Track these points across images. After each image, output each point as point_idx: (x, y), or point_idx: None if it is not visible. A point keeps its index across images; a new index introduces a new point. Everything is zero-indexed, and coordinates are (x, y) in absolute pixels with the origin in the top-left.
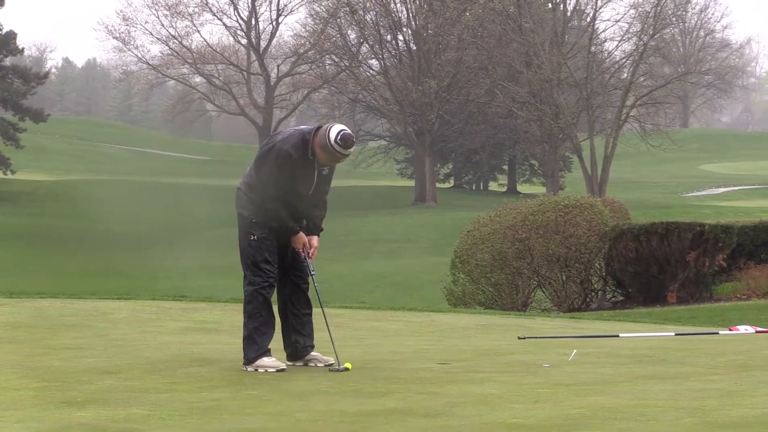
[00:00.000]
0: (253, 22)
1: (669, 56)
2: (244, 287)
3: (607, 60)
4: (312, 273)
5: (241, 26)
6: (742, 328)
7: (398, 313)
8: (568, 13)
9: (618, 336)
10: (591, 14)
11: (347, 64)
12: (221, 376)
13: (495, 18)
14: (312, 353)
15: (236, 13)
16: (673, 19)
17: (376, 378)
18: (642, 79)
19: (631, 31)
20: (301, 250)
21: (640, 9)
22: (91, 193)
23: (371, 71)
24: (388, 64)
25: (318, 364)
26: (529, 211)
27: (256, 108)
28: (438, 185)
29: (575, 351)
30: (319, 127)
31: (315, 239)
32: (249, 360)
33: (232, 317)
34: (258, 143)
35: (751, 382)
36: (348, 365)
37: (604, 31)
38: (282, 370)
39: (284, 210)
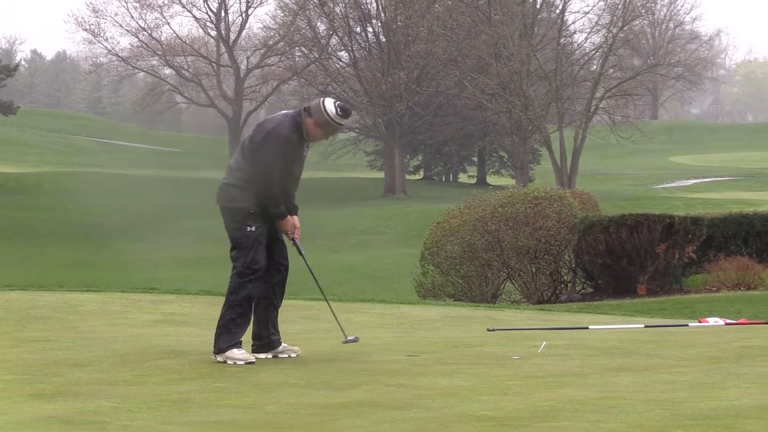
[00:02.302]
0: (223, 14)
1: (638, 48)
2: (231, 278)
3: (577, 52)
4: (302, 253)
5: (210, 18)
6: (712, 320)
7: (367, 305)
8: (538, 5)
9: (587, 328)
10: (560, 6)
11: (317, 56)
12: (190, 369)
13: (464, 10)
14: (283, 345)
15: (206, 5)
16: (642, 10)
17: (345, 370)
18: (611, 71)
19: (600, 23)
20: (290, 233)
21: (609, 1)
22: (60, 185)
23: (341, 63)
24: (357, 56)
25: (291, 355)
26: (499, 203)
27: (225, 100)
28: (408, 177)
29: (544, 343)
30: (306, 108)
31: (296, 219)
32: (220, 349)
33: (202, 309)
34: (228, 135)
35: (721, 375)
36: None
37: (573, 23)
38: (251, 363)
39: (282, 195)
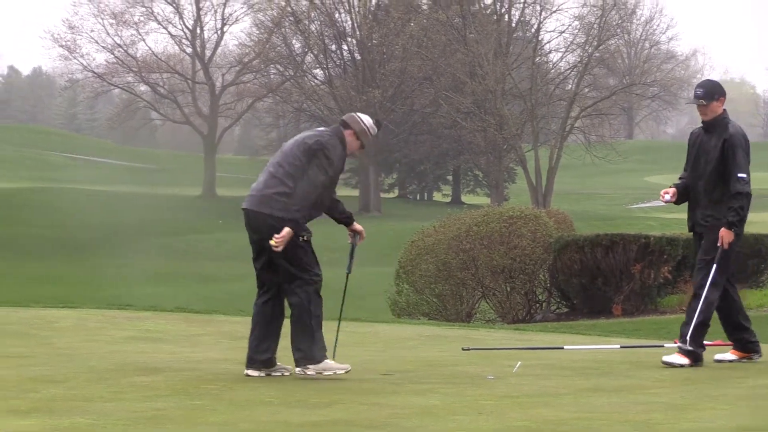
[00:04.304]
0: (198, 31)
1: (614, 67)
2: (294, 294)
3: (552, 71)
4: (349, 269)
5: (186, 35)
6: None
7: (342, 323)
8: (513, 24)
9: (563, 348)
10: (535, 25)
11: (292, 74)
12: (166, 386)
13: (439, 28)
14: (277, 363)
15: (181, 22)
16: (618, 30)
17: (319, 389)
18: (587, 90)
19: (575, 42)
20: (274, 246)
21: (584, 20)
22: (35, 200)
23: (316, 81)
24: (332, 73)
25: (285, 373)
26: (474, 222)
27: (200, 117)
28: (382, 195)
29: (519, 363)
30: (342, 122)
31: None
32: (317, 360)
33: (177, 326)
34: (203, 152)
35: (696, 396)
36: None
37: (548, 42)
38: (349, 371)
39: (314, 211)
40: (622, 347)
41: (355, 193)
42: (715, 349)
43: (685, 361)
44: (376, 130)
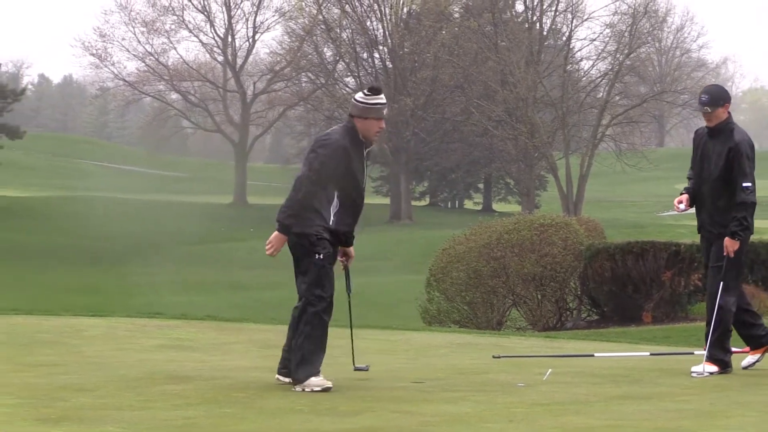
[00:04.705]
0: (230, 39)
1: (645, 75)
2: (300, 306)
3: (583, 79)
4: (350, 291)
5: (217, 43)
6: None
7: (373, 331)
8: (544, 32)
9: (593, 355)
10: (567, 33)
11: (323, 82)
12: (196, 394)
13: (471, 36)
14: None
15: (213, 30)
16: (649, 38)
17: (350, 397)
18: (617, 98)
19: (606, 50)
20: (267, 249)
21: (615, 28)
22: (66, 209)
23: (347, 89)
24: (364, 81)
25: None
26: (504, 230)
27: (231, 125)
28: (413, 203)
29: (550, 370)
30: (349, 116)
31: (351, 250)
32: (299, 380)
33: (207, 335)
34: (234, 160)
35: (726, 403)
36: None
37: (579, 50)
38: (328, 389)
39: (300, 207)
40: (651, 354)
41: (387, 201)
42: (745, 356)
43: (713, 368)
44: (374, 95)
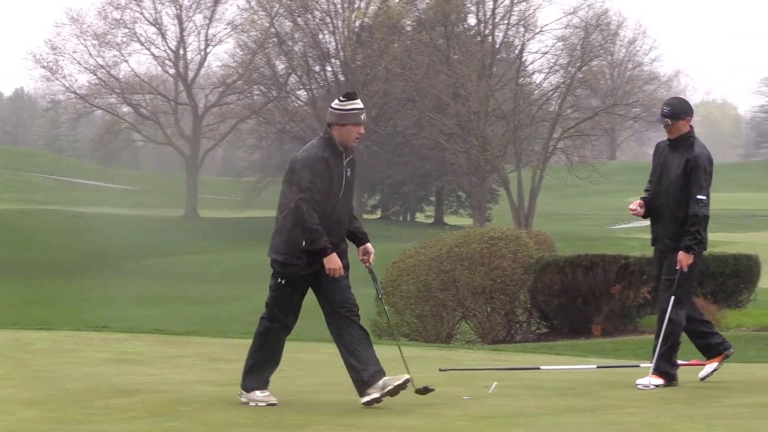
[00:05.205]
0: (182, 52)
1: (597, 88)
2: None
3: (535, 92)
4: (380, 294)
5: (169, 56)
6: None
7: (323, 344)
8: (497, 45)
9: (539, 368)
10: (519, 46)
11: (275, 95)
12: (141, 408)
13: (423, 49)
14: (384, 378)
15: (164, 43)
16: (601, 51)
17: (297, 410)
18: (569, 111)
19: (558, 63)
20: (332, 273)
21: (567, 41)
22: (17, 222)
23: (299, 102)
24: (316, 94)
25: (397, 383)
26: (455, 243)
27: (183, 138)
28: (365, 216)
29: (495, 383)
30: (327, 125)
31: (369, 246)
32: (245, 389)
33: (155, 348)
34: (185, 173)
35: (672, 415)
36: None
37: (531, 63)
38: (273, 404)
39: (316, 227)
40: (598, 367)
41: None
42: (691, 369)
43: (659, 381)
44: (350, 100)
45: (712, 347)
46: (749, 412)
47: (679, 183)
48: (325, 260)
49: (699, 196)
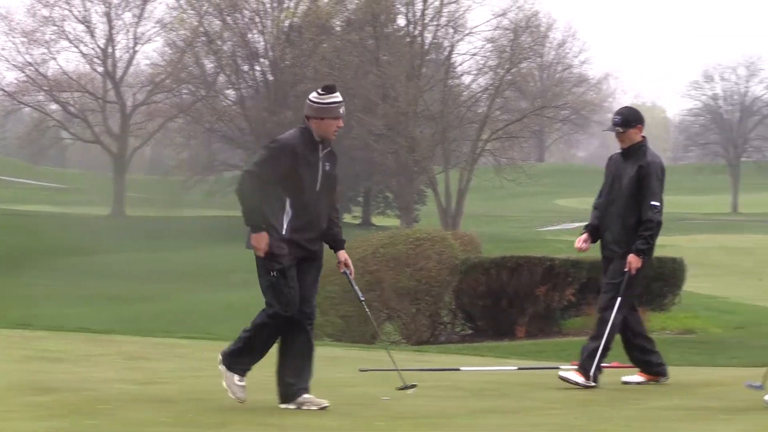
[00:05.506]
0: (110, 50)
1: (526, 90)
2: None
3: (464, 93)
4: (361, 298)
5: (97, 54)
6: None
7: None
8: (426, 47)
9: (459, 369)
10: (448, 48)
11: (204, 94)
12: (60, 406)
13: (352, 50)
14: (305, 395)
15: (93, 41)
16: (530, 53)
17: (213, 409)
18: (498, 112)
19: (488, 65)
20: (259, 252)
21: (497, 43)
22: None
23: (228, 101)
24: (244, 94)
25: (311, 407)
26: (380, 244)
27: (111, 136)
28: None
29: (415, 384)
30: (305, 117)
31: (344, 254)
32: (226, 366)
33: (77, 346)
34: (113, 171)
35: (590, 417)
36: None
37: (461, 64)
38: (241, 400)
39: (257, 206)
40: (519, 369)
41: None
42: (621, 371)
43: (581, 380)
44: (329, 94)
45: (651, 365)
46: (669, 414)
47: (631, 190)
48: (252, 236)
49: (653, 202)
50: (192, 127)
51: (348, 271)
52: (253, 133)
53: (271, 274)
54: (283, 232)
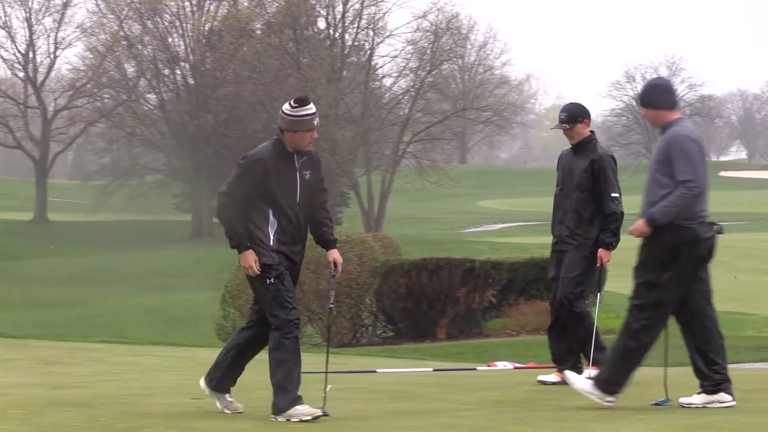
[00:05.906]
0: (31, 55)
1: (447, 92)
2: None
3: (385, 96)
4: (331, 304)
5: (18, 59)
6: (501, 364)
7: (159, 347)
8: (346, 50)
9: (375, 371)
10: (369, 50)
11: (125, 98)
12: None
13: (273, 53)
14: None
15: (14, 46)
16: (451, 55)
17: (127, 413)
18: (419, 114)
19: (408, 67)
20: (249, 271)
21: (417, 45)
22: None
23: (149, 105)
24: (165, 98)
25: (226, 411)
26: None
27: (32, 141)
28: (215, 220)
29: (330, 386)
30: (279, 129)
31: (336, 252)
32: (281, 410)
33: None
34: (35, 177)
35: (503, 419)
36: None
37: (381, 66)
38: (317, 418)
39: (237, 223)
40: (434, 370)
41: (188, 218)
42: (529, 372)
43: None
44: (302, 106)
45: (565, 361)
46: (581, 414)
47: (586, 184)
48: (239, 258)
49: (613, 194)
50: (113, 131)
51: (335, 272)
52: (174, 137)
53: (268, 281)
54: (271, 243)
